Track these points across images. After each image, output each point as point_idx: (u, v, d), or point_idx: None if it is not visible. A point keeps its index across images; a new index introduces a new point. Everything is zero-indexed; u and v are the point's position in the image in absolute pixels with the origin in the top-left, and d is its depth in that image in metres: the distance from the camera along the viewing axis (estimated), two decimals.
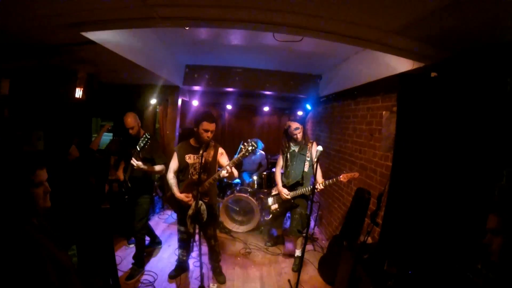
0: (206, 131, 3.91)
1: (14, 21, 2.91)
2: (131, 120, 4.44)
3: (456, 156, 2.54)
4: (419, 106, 2.66)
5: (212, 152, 4.08)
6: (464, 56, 2.74)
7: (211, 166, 4.06)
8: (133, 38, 4.18)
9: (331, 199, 6.24)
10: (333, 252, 4.62)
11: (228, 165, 3.75)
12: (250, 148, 3.64)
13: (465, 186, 2.49)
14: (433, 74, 2.84)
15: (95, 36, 3.30)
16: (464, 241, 2.48)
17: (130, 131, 4.45)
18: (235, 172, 3.99)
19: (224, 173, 3.74)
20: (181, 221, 4.31)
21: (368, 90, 4.74)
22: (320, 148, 3.80)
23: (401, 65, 3.45)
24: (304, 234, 4.96)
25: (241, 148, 3.70)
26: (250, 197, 6.19)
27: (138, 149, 4.09)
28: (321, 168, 4.05)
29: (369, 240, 3.52)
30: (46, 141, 4.92)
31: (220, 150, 4.20)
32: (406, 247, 2.73)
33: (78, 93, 5.17)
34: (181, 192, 4.06)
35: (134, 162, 4.11)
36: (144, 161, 4.23)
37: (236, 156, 3.72)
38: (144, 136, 4.10)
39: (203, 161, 3.75)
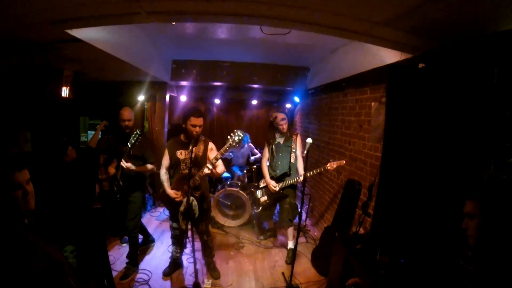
0: (194, 126, 3.89)
1: None
2: (128, 113, 4.43)
3: (444, 146, 2.56)
4: (407, 96, 2.68)
5: (202, 147, 4.08)
6: (451, 47, 2.75)
7: (202, 161, 4.05)
8: (118, 34, 4.13)
9: (322, 191, 6.26)
10: (326, 244, 4.65)
11: (214, 157, 3.77)
12: (236, 138, 3.64)
13: (453, 175, 2.51)
14: (421, 65, 2.86)
15: (80, 33, 3.25)
16: (454, 229, 2.51)
17: (127, 123, 4.42)
18: (220, 170, 4.01)
19: (206, 170, 3.75)
20: (173, 217, 4.29)
21: (356, 81, 4.75)
22: (309, 140, 3.82)
23: (389, 56, 3.46)
24: (295, 223, 5.01)
25: (228, 139, 3.68)
26: (241, 191, 6.20)
27: (129, 145, 4.09)
28: (311, 160, 4.06)
29: (361, 230, 3.55)
30: (34, 141, 4.84)
31: (210, 145, 4.20)
32: (397, 236, 2.76)
33: (65, 92, 5.10)
34: (172, 187, 4.06)
35: (124, 164, 4.13)
36: (134, 158, 4.24)
37: (224, 147, 3.70)
38: (135, 133, 4.08)
39: (193, 156, 3.73)
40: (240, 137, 3.65)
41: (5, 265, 1.54)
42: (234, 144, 3.67)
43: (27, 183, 1.79)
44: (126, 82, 7.05)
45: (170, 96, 7.85)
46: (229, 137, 3.70)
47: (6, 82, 4.60)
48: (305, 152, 3.90)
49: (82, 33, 3.29)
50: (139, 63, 4.98)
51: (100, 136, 5.80)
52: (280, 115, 5.01)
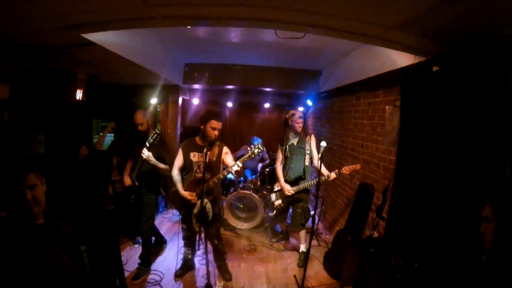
0: (214, 129, 3.93)
1: (12, 24, 2.90)
2: (140, 116, 4.48)
3: (459, 150, 2.55)
4: (422, 100, 2.67)
5: (216, 151, 4.08)
6: (465, 51, 2.74)
7: (215, 165, 4.06)
8: (132, 38, 4.17)
9: (334, 194, 6.25)
10: (338, 247, 4.64)
11: (240, 160, 3.74)
12: (256, 150, 3.67)
13: (468, 179, 2.50)
14: (434, 68, 2.85)
15: (94, 37, 3.29)
16: (469, 233, 2.49)
17: (139, 127, 4.48)
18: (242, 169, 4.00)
19: (236, 168, 3.74)
20: (185, 219, 4.31)
21: (369, 84, 4.73)
22: (324, 143, 3.82)
23: (402, 59, 3.45)
24: (308, 228, 4.99)
25: (248, 150, 3.70)
26: (253, 194, 6.21)
27: (148, 145, 4.14)
28: (323, 163, 4.05)
29: (375, 234, 3.53)
30: (47, 144, 4.91)
31: (225, 149, 4.20)
32: (412, 240, 2.74)
33: (79, 95, 5.17)
34: (184, 189, 4.07)
35: (145, 152, 4.17)
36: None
37: (243, 157, 3.72)
38: (154, 132, 4.14)
39: (207, 159, 3.75)
40: (259, 150, 3.68)
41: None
42: (253, 156, 3.70)
43: (30, 188, 1.82)
44: (138, 85, 7.11)
45: (183, 99, 7.88)
46: (248, 148, 3.73)
47: (20, 85, 4.68)
48: (319, 155, 3.89)
49: (97, 37, 3.33)
50: (151, 66, 5.02)
51: (113, 139, 5.87)
52: (298, 113, 4.90)
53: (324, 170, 4.72)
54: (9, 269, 1.60)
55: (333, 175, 4.55)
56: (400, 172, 2.76)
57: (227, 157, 4.16)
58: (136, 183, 4.40)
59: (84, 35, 3.13)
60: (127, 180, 4.54)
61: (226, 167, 3.97)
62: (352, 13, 2.45)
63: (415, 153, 2.66)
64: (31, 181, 1.83)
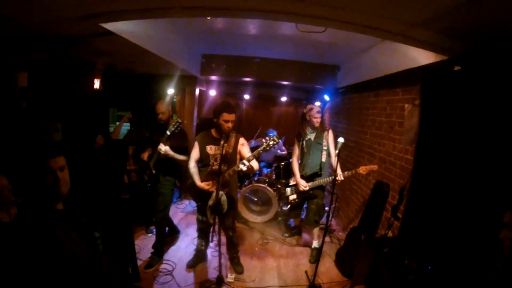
0: (226, 121, 3.90)
1: (32, 14, 2.92)
2: (161, 106, 4.49)
3: (479, 153, 2.49)
4: (443, 99, 2.61)
5: (233, 143, 4.07)
6: (488, 50, 2.67)
7: (232, 157, 4.05)
8: (150, 28, 4.18)
9: (348, 191, 6.20)
10: (351, 245, 4.60)
11: (247, 159, 3.73)
12: (271, 142, 3.63)
13: (489, 183, 2.44)
14: (456, 68, 2.78)
15: (113, 26, 3.30)
16: (485, 238, 2.44)
17: (161, 116, 4.48)
18: (255, 166, 3.94)
19: (242, 167, 3.71)
20: (200, 210, 4.32)
21: (388, 82, 4.65)
22: (341, 139, 3.78)
23: (423, 57, 3.38)
24: (322, 225, 4.97)
25: (263, 142, 3.67)
26: (268, 188, 6.18)
27: (169, 133, 4.17)
28: (339, 159, 4.01)
29: (389, 234, 3.49)
30: (64, 132, 4.97)
31: (242, 140, 4.18)
32: (427, 242, 2.70)
33: (96, 84, 5.20)
34: (201, 181, 4.07)
35: (162, 147, 4.19)
36: (170, 148, 4.28)
37: (258, 150, 3.69)
38: (176, 121, 4.17)
39: (223, 152, 3.74)
40: (275, 142, 3.65)
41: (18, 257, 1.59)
42: (268, 148, 3.66)
43: (61, 170, 1.83)
44: (155, 75, 7.16)
45: (200, 90, 7.90)
46: (263, 140, 3.70)
47: (38, 74, 4.73)
48: (337, 151, 3.85)
49: (115, 27, 3.34)
50: (169, 56, 5.02)
51: (128, 128, 5.90)
52: (316, 108, 4.82)
53: (338, 170, 4.58)
54: (31, 252, 1.62)
55: (341, 177, 4.47)
56: (418, 172, 2.71)
57: (244, 148, 4.15)
58: (154, 171, 4.42)
59: (102, 25, 3.14)
60: (145, 155, 4.58)
61: (242, 159, 3.95)
62: (376, 8, 2.40)
63: (434, 153, 2.61)
64: (62, 162, 1.85)
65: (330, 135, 4.93)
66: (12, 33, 3.58)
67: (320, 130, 4.92)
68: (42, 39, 3.81)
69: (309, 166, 4.92)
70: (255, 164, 3.92)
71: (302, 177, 4.97)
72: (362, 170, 4.45)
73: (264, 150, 3.66)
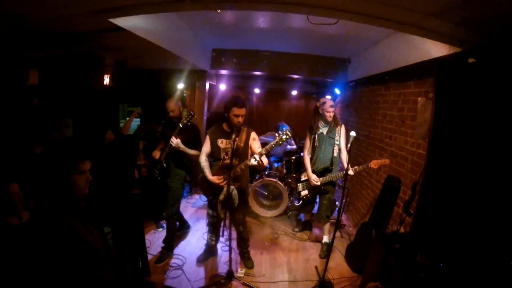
0: (237, 116, 3.87)
1: (41, 10, 2.91)
2: (170, 104, 4.50)
3: (496, 148, 2.43)
4: (458, 93, 2.55)
5: (244, 137, 4.05)
6: (504, 41, 2.60)
7: (243, 151, 4.03)
8: (159, 23, 4.16)
9: (359, 186, 6.16)
10: (361, 240, 4.57)
11: (259, 153, 3.70)
12: (284, 137, 3.60)
13: (504, 178, 2.39)
14: (470, 60, 2.72)
15: (122, 22, 3.27)
16: (499, 237, 2.39)
17: (171, 114, 4.50)
18: (265, 162, 3.90)
19: (252, 161, 3.68)
20: (211, 205, 4.32)
21: (400, 75, 4.59)
22: (353, 133, 3.72)
23: (435, 50, 3.30)
24: (332, 220, 4.95)
25: (275, 136, 3.64)
26: (279, 182, 6.17)
27: (181, 125, 4.19)
28: (350, 153, 3.97)
29: (401, 229, 3.45)
30: (75, 127, 5.00)
31: (253, 135, 4.16)
32: (439, 238, 2.66)
33: (106, 80, 5.20)
34: (212, 175, 4.06)
35: (174, 140, 4.21)
36: (181, 143, 4.30)
37: (270, 144, 3.67)
38: (189, 113, 4.20)
39: (235, 146, 3.73)
40: (287, 136, 3.62)
41: (42, 247, 1.62)
42: (280, 142, 3.64)
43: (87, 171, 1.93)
44: (165, 70, 7.16)
45: (210, 85, 7.89)
46: (276, 134, 3.68)
47: (49, 71, 4.75)
48: (349, 145, 3.80)
49: (124, 22, 3.31)
50: (179, 51, 5.00)
51: (138, 124, 5.92)
52: (330, 102, 4.76)
53: (345, 163, 4.70)
54: (57, 247, 1.66)
55: (351, 172, 4.41)
56: (432, 167, 2.66)
57: (255, 143, 4.12)
58: (164, 165, 4.43)
59: (112, 20, 3.12)
60: (157, 154, 4.60)
61: (253, 153, 3.92)
62: None
63: (449, 148, 2.56)
64: (89, 165, 1.95)
65: (343, 130, 4.88)
66: (22, 31, 3.59)
67: (333, 125, 4.87)
68: (52, 36, 3.81)
69: (320, 160, 4.89)
70: (265, 159, 3.88)
71: (313, 172, 4.93)
72: (374, 164, 4.40)
73: (277, 144, 3.64)
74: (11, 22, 3.17)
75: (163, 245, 4.67)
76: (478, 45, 2.75)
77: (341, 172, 4.64)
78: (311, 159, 5.00)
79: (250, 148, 4.12)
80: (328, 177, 4.80)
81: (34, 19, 3.15)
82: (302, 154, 5.24)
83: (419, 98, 3.97)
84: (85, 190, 1.92)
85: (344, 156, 4.81)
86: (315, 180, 4.82)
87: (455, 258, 2.56)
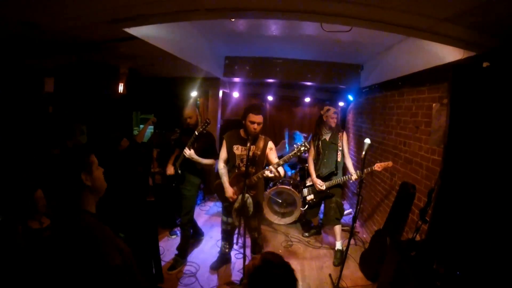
0: (253, 123, 3.86)
1: (57, 20, 2.97)
2: (188, 110, 4.57)
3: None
4: (473, 98, 2.52)
5: (261, 146, 4.04)
6: None
7: (259, 160, 4.03)
8: (173, 31, 4.21)
9: (373, 192, 6.10)
10: (375, 248, 4.52)
11: (276, 163, 3.69)
12: (303, 148, 3.58)
13: None
14: (485, 64, 2.69)
15: (137, 31, 3.33)
16: None
17: (188, 120, 4.54)
18: (282, 172, 3.89)
19: (268, 173, 3.65)
20: (226, 211, 4.32)
21: (413, 80, 4.55)
22: (368, 140, 3.84)
23: (449, 54, 3.27)
24: (346, 227, 4.94)
25: (294, 147, 3.65)
26: (292, 189, 6.18)
27: (197, 133, 4.20)
28: (364, 160, 3.97)
29: (417, 237, 3.41)
30: (89, 134, 5.06)
31: (270, 144, 4.13)
32: (456, 246, 2.62)
33: (120, 88, 5.27)
34: (229, 183, 4.07)
35: (187, 151, 4.23)
36: (197, 151, 4.32)
37: (289, 154, 3.65)
38: (205, 121, 4.19)
39: (250, 154, 3.73)
40: (306, 148, 3.60)
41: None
42: (299, 154, 3.63)
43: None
44: (178, 78, 7.22)
45: (223, 92, 7.93)
46: (295, 145, 3.70)
47: (64, 79, 4.83)
48: (363, 153, 3.87)
49: (138, 31, 3.36)
50: (192, 59, 5.04)
51: (151, 131, 5.96)
52: (333, 109, 5.04)
53: (351, 169, 4.98)
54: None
55: (354, 176, 4.70)
56: (448, 173, 2.63)
57: (271, 153, 4.10)
58: (179, 171, 4.45)
59: (126, 30, 3.17)
60: (170, 169, 4.60)
61: (268, 164, 3.93)
62: (404, 4, 2.33)
63: (465, 154, 2.53)
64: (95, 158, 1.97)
65: (345, 136, 5.14)
66: (39, 39, 3.66)
67: (336, 131, 5.10)
68: (68, 44, 3.88)
69: (325, 165, 5.08)
70: (281, 170, 3.88)
71: (318, 177, 5.11)
72: (377, 167, 4.59)
73: (295, 155, 3.63)
74: (28, 31, 3.23)
75: (176, 252, 4.67)
76: (492, 49, 2.72)
77: (346, 176, 4.90)
78: (315, 164, 5.20)
79: (267, 157, 4.11)
80: (333, 181, 4.98)
81: (50, 29, 3.21)
82: (307, 160, 5.42)
83: (434, 104, 3.94)
84: (104, 182, 1.95)
85: (349, 162, 5.08)
86: (320, 184, 5.00)
87: (473, 267, 2.52)
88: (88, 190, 1.83)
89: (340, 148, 5.03)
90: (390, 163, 4.61)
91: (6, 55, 4.16)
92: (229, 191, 4.02)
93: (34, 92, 4.59)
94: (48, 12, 2.76)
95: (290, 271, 1.83)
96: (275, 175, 3.70)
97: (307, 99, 9.08)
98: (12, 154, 3.87)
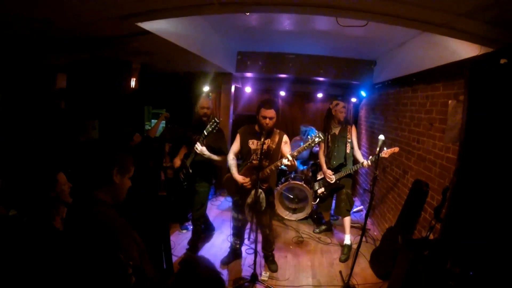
0: (264, 117, 3.87)
1: (69, 16, 2.97)
2: (206, 100, 4.55)
3: None
4: (490, 94, 2.47)
5: (276, 140, 4.05)
6: None
7: (274, 154, 4.03)
8: (185, 26, 4.18)
9: (385, 189, 6.05)
10: (386, 246, 4.49)
11: (291, 154, 3.68)
12: (317, 139, 3.59)
13: None
14: (503, 61, 2.63)
15: (149, 26, 3.31)
16: None
17: (205, 111, 4.49)
18: (296, 162, 3.88)
19: (285, 161, 3.65)
20: (236, 206, 4.32)
21: (427, 77, 4.48)
22: (382, 137, 3.85)
23: (465, 50, 3.19)
24: (357, 224, 4.90)
25: (308, 139, 3.64)
26: (304, 185, 6.18)
27: (206, 133, 4.15)
28: (379, 157, 3.94)
29: (430, 236, 3.37)
30: (101, 129, 5.09)
31: (285, 138, 4.13)
32: (472, 246, 2.57)
33: (132, 83, 5.28)
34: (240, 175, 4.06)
35: (198, 146, 4.18)
36: (207, 148, 4.27)
37: (302, 146, 3.68)
38: (214, 121, 4.14)
39: (265, 147, 3.72)
40: (320, 139, 3.61)
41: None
42: (313, 145, 3.64)
43: None
44: (191, 73, 7.22)
45: (235, 87, 7.92)
46: (309, 137, 3.70)
47: (77, 75, 4.86)
48: (378, 149, 3.87)
49: (151, 26, 3.34)
50: (205, 54, 5.02)
51: (163, 126, 5.96)
52: (342, 103, 5.10)
53: (360, 158, 5.04)
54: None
55: (366, 163, 4.71)
56: (464, 171, 2.58)
57: (285, 147, 4.10)
58: (190, 170, 4.44)
59: (139, 24, 3.15)
60: (177, 162, 4.58)
61: (282, 157, 3.91)
62: None
63: (482, 152, 2.48)
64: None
65: (354, 130, 5.18)
66: (52, 36, 3.67)
67: (345, 125, 5.17)
68: (80, 40, 3.89)
69: (334, 158, 5.16)
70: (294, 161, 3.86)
71: (329, 169, 5.16)
72: (384, 153, 4.57)
73: (309, 146, 3.68)
74: (41, 28, 3.24)
75: (187, 246, 4.69)
76: (509, 45, 2.66)
77: (355, 166, 4.99)
78: (326, 157, 5.24)
79: (281, 151, 4.10)
80: (342, 172, 5.05)
81: (64, 25, 3.22)
82: (318, 154, 5.48)
83: (450, 101, 3.87)
84: (124, 195, 2.05)
85: (358, 153, 5.12)
86: (330, 174, 5.07)
87: (488, 267, 2.47)
88: (111, 187, 1.84)
89: (349, 140, 5.10)
90: (396, 149, 4.62)
91: (20, 52, 4.19)
92: (239, 178, 4.02)
93: (46, 88, 4.62)
94: (62, 8, 2.76)
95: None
96: (291, 164, 3.68)
97: (320, 95, 9.04)
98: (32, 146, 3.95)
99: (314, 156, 7.42)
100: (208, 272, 1.71)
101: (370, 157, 4.70)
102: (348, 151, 5.09)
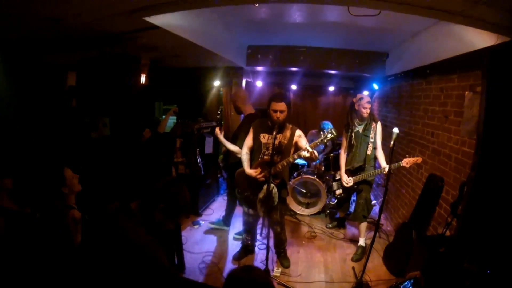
0: (275, 111, 3.83)
1: (78, 14, 2.94)
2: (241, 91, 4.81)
3: None
4: (510, 85, 2.37)
5: (288, 135, 3.99)
6: None
7: (286, 149, 3.97)
8: (195, 20, 4.13)
9: (398, 184, 5.96)
10: (400, 242, 4.38)
11: (311, 144, 3.63)
12: (329, 136, 3.54)
13: None
14: None
15: (157, 20, 3.26)
16: None
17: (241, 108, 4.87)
18: (316, 153, 3.77)
19: (304, 153, 3.58)
20: (247, 202, 4.28)
21: (442, 68, 4.36)
22: (396, 130, 3.62)
23: (482, 40, 3.04)
24: (370, 219, 4.81)
25: (320, 134, 3.61)
26: (317, 179, 6.14)
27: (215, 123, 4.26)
28: (393, 151, 3.81)
29: (447, 233, 3.28)
30: (112, 126, 5.09)
31: (298, 132, 4.06)
32: (489, 243, 2.49)
33: (142, 79, 5.27)
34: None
35: (218, 130, 4.39)
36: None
37: (315, 141, 3.62)
38: (220, 108, 4.22)
39: (276, 142, 3.68)
40: (333, 135, 3.54)
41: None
42: (325, 141, 3.58)
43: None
44: (201, 68, 7.21)
45: (246, 81, 7.89)
46: (321, 133, 3.63)
47: (86, 72, 4.86)
48: (392, 143, 3.65)
49: (160, 20, 3.29)
50: (215, 48, 4.97)
51: (174, 121, 5.95)
52: (366, 98, 4.62)
53: (382, 162, 4.58)
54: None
55: (385, 171, 4.33)
56: (482, 166, 2.49)
57: (301, 140, 4.03)
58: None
59: (147, 19, 3.11)
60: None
61: (298, 150, 3.86)
62: None
63: (502, 146, 2.39)
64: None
65: (379, 127, 4.71)
66: (61, 34, 3.66)
67: (369, 122, 4.69)
68: (89, 38, 3.88)
69: (356, 159, 4.75)
70: (315, 152, 3.76)
71: (349, 170, 4.83)
72: (405, 163, 4.22)
73: (322, 142, 3.61)
74: (51, 27, 3.23)
75: (198, 241, 4.72)
76: None
77: (375, 170, 4.60)
78: (347, 156, 4.89)
79: (296, 145, 4.03)
80: (360, 176, 4.68)
81: (73, 23, 3.19)
82: (339, 152, 5.09)
83: (466, 93, 3.74)
84: None
85: (381, 155, 4.67)
86: (346, 181, 4.75)
87: (507, 266, 2.38)
88: None
89: (372, 140, 4.64)
90: (419, 159, 4.26)
91: (30, 52, 4.20)
92: (251, 172, 3.97)
93: (56, 86, 4.63)
94: (70, 6, 2.73)
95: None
96: (311, 155, 3.63)
97: (331, 88, 9.00)
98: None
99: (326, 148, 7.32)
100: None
101: (392, 165, 4.20)
102: (369, 152, 4.66)
